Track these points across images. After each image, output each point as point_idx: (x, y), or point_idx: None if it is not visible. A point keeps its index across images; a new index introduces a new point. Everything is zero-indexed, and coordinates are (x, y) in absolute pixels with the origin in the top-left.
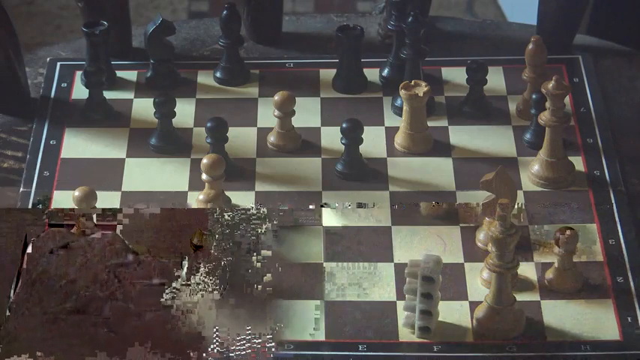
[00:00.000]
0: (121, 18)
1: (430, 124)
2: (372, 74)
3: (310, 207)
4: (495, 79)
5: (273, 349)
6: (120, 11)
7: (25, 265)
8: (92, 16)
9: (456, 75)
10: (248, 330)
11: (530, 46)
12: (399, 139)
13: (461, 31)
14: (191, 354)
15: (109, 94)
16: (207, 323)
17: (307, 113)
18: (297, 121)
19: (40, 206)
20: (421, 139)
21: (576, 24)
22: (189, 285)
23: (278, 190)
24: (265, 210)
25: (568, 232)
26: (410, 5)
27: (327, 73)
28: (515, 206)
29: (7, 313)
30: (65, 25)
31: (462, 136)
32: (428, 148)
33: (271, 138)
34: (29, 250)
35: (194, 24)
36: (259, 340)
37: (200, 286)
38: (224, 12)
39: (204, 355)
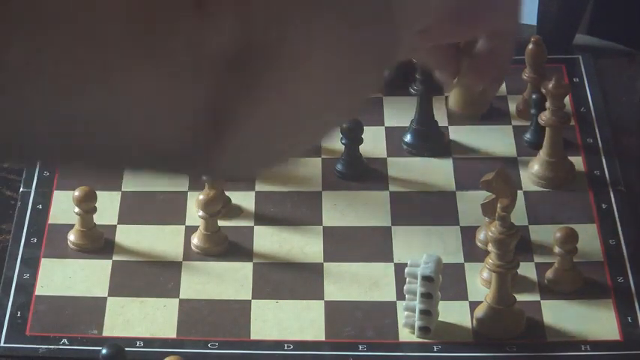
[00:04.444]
0: None
1: None
2: None
3: None
4: None
5: None
6: None
7: None
8: None
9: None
10: None
11: (530, 46)
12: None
13: None
14: None
15: None
16: None
17: None
18: None
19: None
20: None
21: (576, 24)
22: None
23: (278, 190)
24: None
25: (567, 232)
26: None
27: None
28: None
29: None
30: None
31: (462, 136)
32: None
33: None
34: None
35: None
36: None
37: None
38: None
39: None
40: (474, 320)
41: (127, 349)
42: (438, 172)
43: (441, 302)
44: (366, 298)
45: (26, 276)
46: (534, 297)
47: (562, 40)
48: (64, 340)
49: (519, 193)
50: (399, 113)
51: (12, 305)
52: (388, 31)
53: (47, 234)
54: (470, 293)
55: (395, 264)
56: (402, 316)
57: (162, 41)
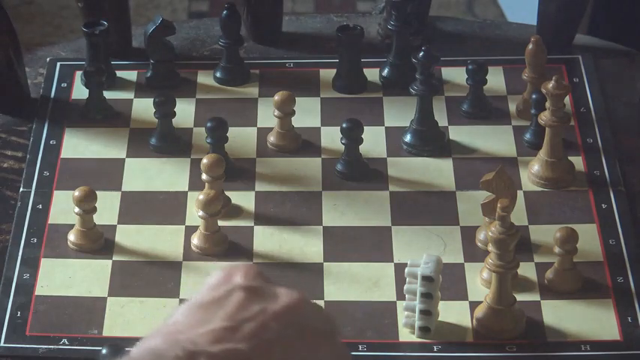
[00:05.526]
0: (121, 18)
1: None
2: (372, 74)
3: None
4: (495, 79)
5: None
6: (120, 11)
7: None
8: (92, 16)
9: (455, 75)
10: None
11: (530, 46)
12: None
13: (461, 31)
14: None
15: (108, 94)
16: None
17: (307, 113)
18: (297, 121)
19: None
20: None
21: (576, 24)
22: None
23: (278, 190)
24: None
25: (567, 232)
26: (410, 5)
27: (327, 73)
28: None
29: None
30: (65, 25)
31: (462, 136)
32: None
33: (271, 138)
34: None
35: (194, 24)
36: None
37: None
38: (224, 12)
39: None
40: (474, 320)
41: (126, 349)
42: (438, 172)
43: (441, 302)
44: (366, 298)
45: (26, 276)
46: (534, 297)
47: (562, 40)
48: (64, 340)
49: (519, 193)
50: (399, 113)
51: (12, 305)
52: None
53: (47, 234)
54: (470, 293)
55: (395, 264)
56: (402, 316)
57: None
